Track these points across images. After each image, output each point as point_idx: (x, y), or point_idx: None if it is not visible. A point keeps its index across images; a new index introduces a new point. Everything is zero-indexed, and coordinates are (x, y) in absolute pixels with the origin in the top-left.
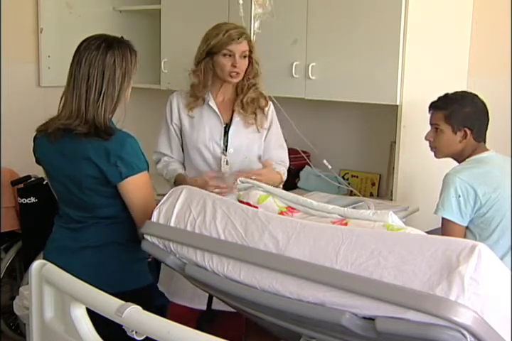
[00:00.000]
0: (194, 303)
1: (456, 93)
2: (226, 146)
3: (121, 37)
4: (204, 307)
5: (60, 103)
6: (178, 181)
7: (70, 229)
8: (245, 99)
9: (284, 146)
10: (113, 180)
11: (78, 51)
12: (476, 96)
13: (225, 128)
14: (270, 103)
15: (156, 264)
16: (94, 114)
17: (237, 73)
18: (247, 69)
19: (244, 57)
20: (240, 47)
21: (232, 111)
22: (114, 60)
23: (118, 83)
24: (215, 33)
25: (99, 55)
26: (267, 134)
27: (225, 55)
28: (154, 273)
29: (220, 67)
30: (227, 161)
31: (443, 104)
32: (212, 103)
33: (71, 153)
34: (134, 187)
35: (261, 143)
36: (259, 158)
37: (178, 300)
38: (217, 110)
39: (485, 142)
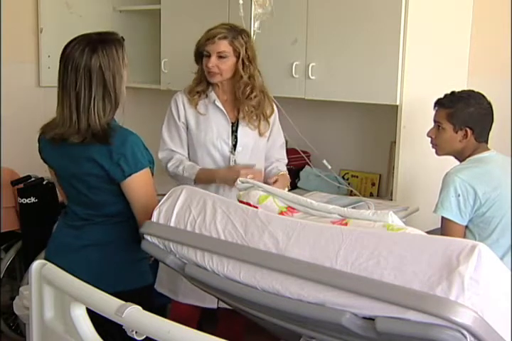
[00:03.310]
0: (205, 302)
1: (462, 92)
2: (234, 145)
3: (106, 33)
4: (215, 305)
5: (57, 106)
6: (201, 175)
7: (74, 227)
8: (248, 106)
9: (284, 144)
10: (116, 179)
11: (63, 56)
12: (482, 96)
13: (232, 127)
14: (275, 111)
15: (155, 265)
16: (87, 122)
17: (214, 73)
18: (236, 71)
19: (222, 57)
20: (215, 48)
21: (238, 111)
22: (100, 64)
23: (110, 85)
24: (204, 33)
25: (84, 61)
26: (270, 135)
27: (206, 55)
28: (154, 273)
29: (203, 67)
30: (235, 160)
31: (448, 102)
32: (218, 102)
33: (75, 155)
34: (137, 184)
35: (265, 142)
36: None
37: (189, 301)
38: (223, 109)
39: (487, 142)
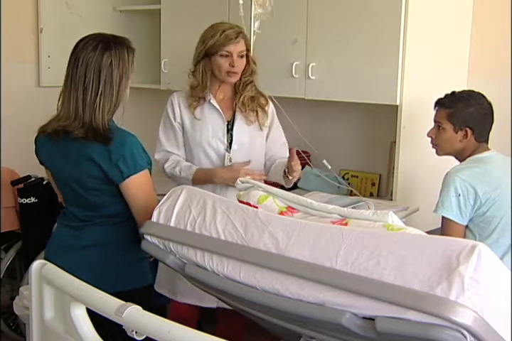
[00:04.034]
0: (204, 302)
1: (463, 92)
2: (230, 144)
3: (119, 36)
4: (214, 305)
5: (58, 102)
6: (199, 175)
7: (73, 228)
8: (244, 98)
9: (286, 143)
10: (115, 180)
11: (75, 51)
12: (482, 96)
13: (227, 125)
14: (270, 102)
15: (155, 264)
16: (91, 116)
17: (235, 73)
18: (244, 68)
19: (242, 56)
20: (237, 47)
21: (234, 110)
22: (111, 61)
23: (116, 84)
24: (211, 34)
25: (96, 56)
26: (268, 133)
27: (222, 55)
28: (154, 273)
29: (218, 68)
30: (230, 158)
31: (448, 102)
32: (213, 101)
33: (74, 154)
34: (135, 186)
35: (263, 141)
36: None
37: (187, 300)
38: (218, 108)
39: (487, 142)
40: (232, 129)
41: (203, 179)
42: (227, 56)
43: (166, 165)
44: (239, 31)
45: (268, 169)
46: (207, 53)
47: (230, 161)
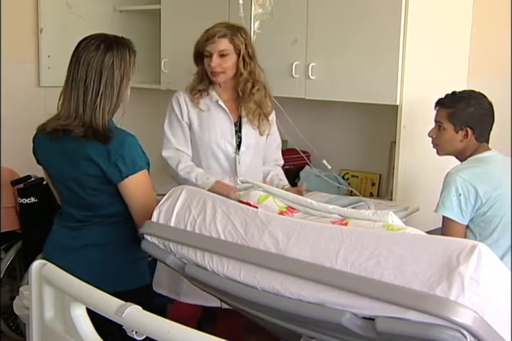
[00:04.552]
0: (208, 302)
1: (463, 92)
2: (237, 145)
3: (122, 37)
4: (219, 304)
5: (58, 101)
6: (216, 188)
7: (71, 228)
8: (250, 104)
9: (280, 144)
10: (114, 180)
11: (77, 51)
12: (483, 96)
13: (234, 126)
14: (273, 110)
15: (153, 264)
16: (91, 116)
17: (218, 72)
18: (238, 69)
19: (223, 55)
20: (216, 47)
21: (239, 113)
22: (113, 62)
23: (116, 85)
24: (201, 33)
25: (98, 56)
26: (268, 135)
27: (206, 55)
28: (152, 272)
29: (206, 68)
30: (239, 160)
31: (449, 102)
32: (221, 102)
33: (72, 153)
34: (134, 185)
35: (263, 143)
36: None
37: (192, 300)
38: (226, 109)
39: (488, 142)
40: (240, 131)
41: (219, 192)
42: (210, 56)
43: (180, 168)
44: (218, 30)
45: (264, 175)
46: (199, 55)
47: (239, 163)
